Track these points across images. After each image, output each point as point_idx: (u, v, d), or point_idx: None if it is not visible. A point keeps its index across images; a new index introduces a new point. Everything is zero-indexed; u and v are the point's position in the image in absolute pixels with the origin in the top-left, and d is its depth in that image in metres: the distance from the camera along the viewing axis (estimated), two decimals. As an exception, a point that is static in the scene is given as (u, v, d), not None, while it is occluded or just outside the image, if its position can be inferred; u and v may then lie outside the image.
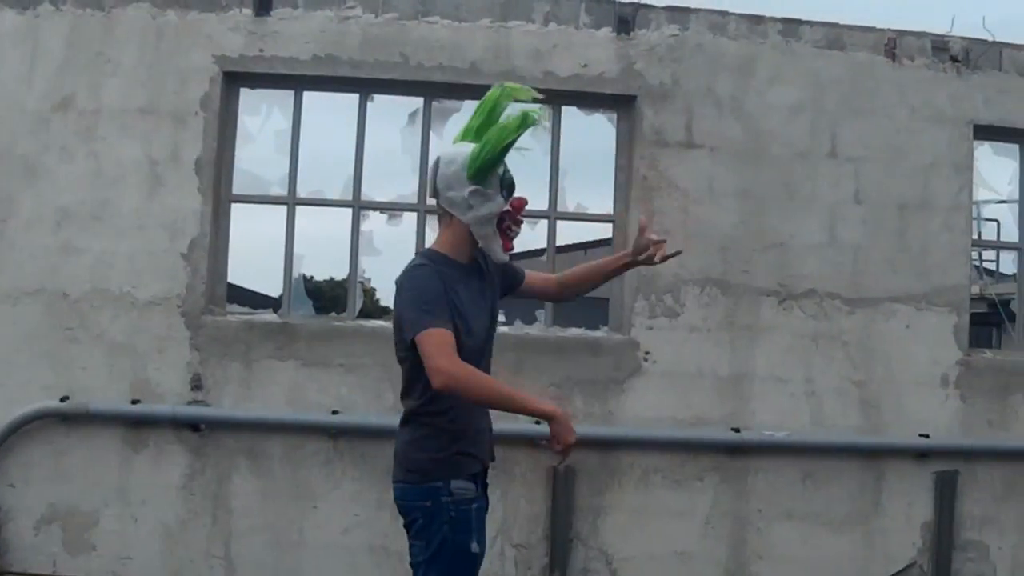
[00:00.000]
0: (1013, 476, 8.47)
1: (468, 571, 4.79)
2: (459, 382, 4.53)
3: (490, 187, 4.74)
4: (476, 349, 4.76)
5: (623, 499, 8.17)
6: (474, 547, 4.76)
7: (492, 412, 4.78)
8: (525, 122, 4.74)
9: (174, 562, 8.00)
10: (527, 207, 4.91)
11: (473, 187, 4.72)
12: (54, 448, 7.99)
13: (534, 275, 5.35)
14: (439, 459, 4.74)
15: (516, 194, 4.86)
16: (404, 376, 4.81)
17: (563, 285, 5.35)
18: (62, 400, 7.95)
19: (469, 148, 4.74)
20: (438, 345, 4.54)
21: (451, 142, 4.89)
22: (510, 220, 4.82)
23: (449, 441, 4.77)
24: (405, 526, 4.84)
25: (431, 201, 4.94)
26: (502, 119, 4.76)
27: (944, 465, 8.38)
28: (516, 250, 5.05)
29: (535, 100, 4.83)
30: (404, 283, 4.71)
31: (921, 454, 8.36)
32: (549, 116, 4.83)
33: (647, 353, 8.21)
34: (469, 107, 8.33)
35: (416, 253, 5.11)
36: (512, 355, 7.92)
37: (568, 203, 8.52)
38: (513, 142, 4.74)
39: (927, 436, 8.32)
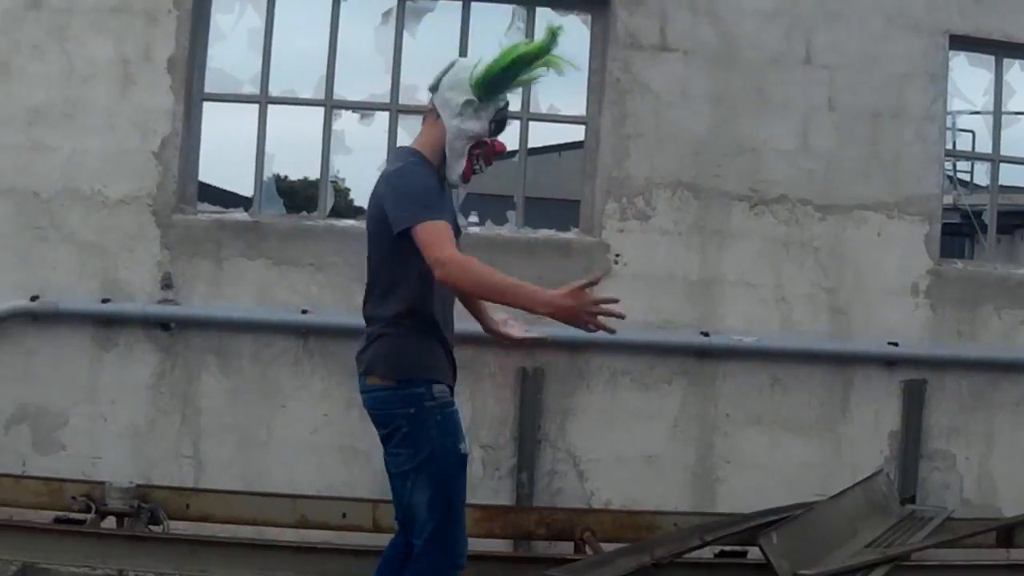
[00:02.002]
0: (981, 386, 8.50)
1: (461, 473, 4.83)
2: (465, 272, 4.50)
3: (485, 108, 4.78)
4: None
5: (591, 401, 8.19)
6: (463, 448, 4.79)
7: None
8: (545, 58, 4.83)
9: (143, 461, 7.99)
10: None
11: (471, 97, 4.75)
12: (23, 348, 7.98)
13: None
14: (426, 363, 4.75)
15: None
16: (386, 277, 4.77)
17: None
18: (32, 299, 7.91)
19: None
20: (440, 236, 4.52)
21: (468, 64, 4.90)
22: (483, 151, 4.84)
23: (435, 346, 4.78)
24: (384, 437, 4.82)
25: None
26: (529, 46, 4.81)
27: (912, 374, 8.40)
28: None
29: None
30: (397, 178, 4.70)
31: (890, 362, 8.38)
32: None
33: (617, 255, 8.19)
34: (443, 7, 8.35)
35: (393, 151, 5.09)
36: (483, 255, 7.66)
37: (541, 104, 8.50)
38: (522, 71, 4.79)
39: (896, 344, 8.33)
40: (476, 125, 4.79)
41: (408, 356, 4.75)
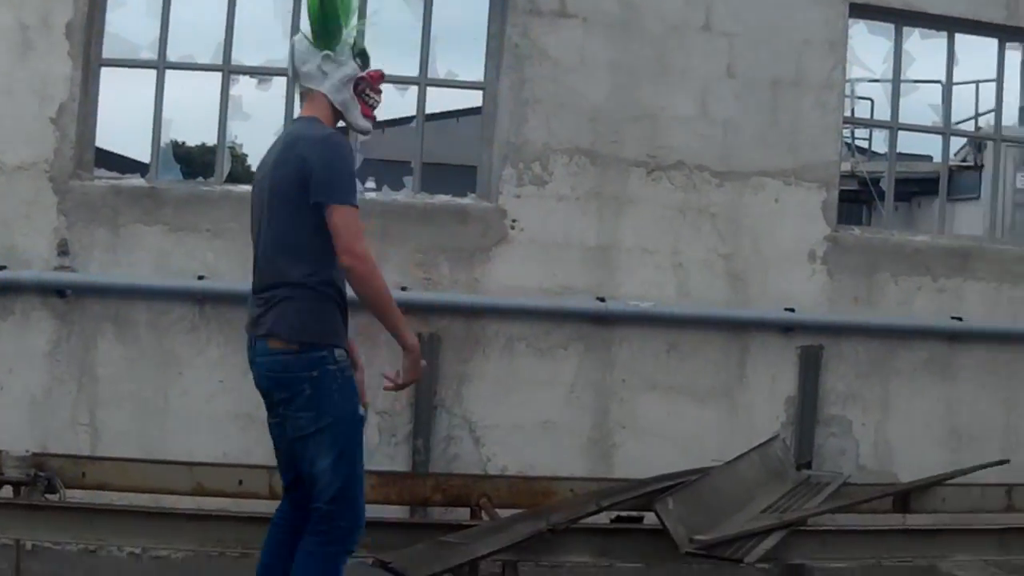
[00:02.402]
0: (878, 353, 8.60)
1: (359, 436, 4.97)
2: (368, 270, 4.71)
3: (341, 53, 4.95)
4: None
5: (487, 367, 8.19)
6: (361, 411, 4.90)
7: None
8: None
9: (39, 430, 7.89)
10: (389, 75, 5.18)
11: (323, 54, 4.92)
12: (-82, 316, 7.90)
13: None
14: (329, 328, 4.84)
15: (384, 68, 5.15)
16: (295, 240, 4.83)
17: None
18: (-74, 268, 7.84)
19: None
20: (358, 226, 4.71)
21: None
22: (366, 86, 5.02)
23: (335, 311, 4.84)
24: (282, 400, 4.84)
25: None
26: None
27: (809, 340, 8.47)
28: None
29: None
30: (332, 149, 4.81)
31: (786, 328, 8.44)
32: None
33: (514, 221, 8.19)
34: (340, -28, 8.27)
35: (297, 120, 5.17)
36: (378, 222, 7.88)
37: (439, 70, 8.51)
38: (335, 4, 4.92)
39: (793, 310, 8.39)
40: (345, 70, 4.97)
41: (312, 321, 4.83)
